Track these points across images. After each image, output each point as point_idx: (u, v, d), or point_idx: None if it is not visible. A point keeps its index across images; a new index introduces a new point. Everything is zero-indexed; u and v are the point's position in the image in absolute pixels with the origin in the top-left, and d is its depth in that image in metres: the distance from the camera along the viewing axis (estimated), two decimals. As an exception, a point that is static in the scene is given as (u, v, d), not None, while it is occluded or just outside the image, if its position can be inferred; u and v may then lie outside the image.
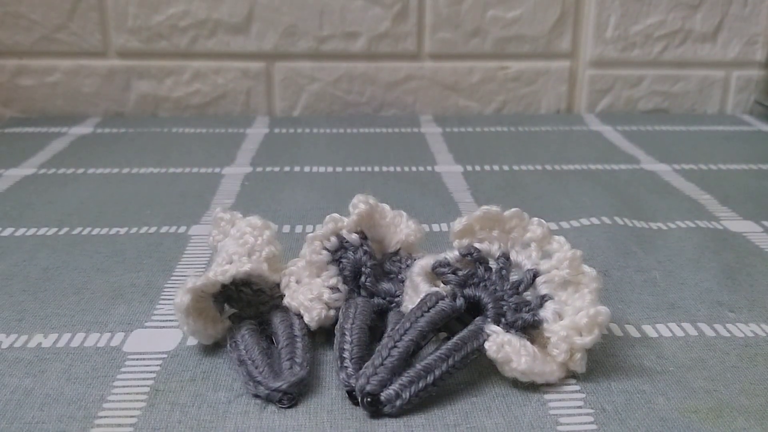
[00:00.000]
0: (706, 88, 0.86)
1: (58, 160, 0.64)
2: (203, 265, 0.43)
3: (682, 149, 0.69)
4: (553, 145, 0.71)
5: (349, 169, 0.62)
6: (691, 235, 0.47)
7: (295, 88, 0.83)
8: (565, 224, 0.49)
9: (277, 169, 0.62)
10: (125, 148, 0.69)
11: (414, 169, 0.62)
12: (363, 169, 0.62)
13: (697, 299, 0.39)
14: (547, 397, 0.30)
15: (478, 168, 0.63)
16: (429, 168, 0.63)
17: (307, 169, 0.62)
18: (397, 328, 0.31)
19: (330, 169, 0.62)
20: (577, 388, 0.31)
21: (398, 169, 0.62)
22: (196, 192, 0.56)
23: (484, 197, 0.55)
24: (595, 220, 0.49)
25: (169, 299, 0.38)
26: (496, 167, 0.63)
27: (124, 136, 0.73)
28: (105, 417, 0.29)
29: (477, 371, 0.31)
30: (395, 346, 0.30)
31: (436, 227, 0.49)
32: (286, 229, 0.48)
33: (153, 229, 0.48)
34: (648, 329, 0.36)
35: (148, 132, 0.75)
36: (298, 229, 0.48)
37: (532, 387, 0.30)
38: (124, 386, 0.31)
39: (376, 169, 0.62)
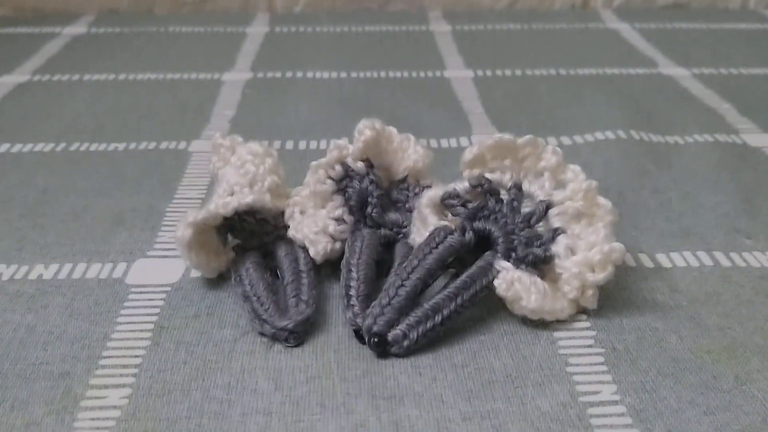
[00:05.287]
0: (730, -19, 0.81)
1: (52, 66, 0.62)
2: (205, 187, 0.42)
3: (702, 51, 0.66)
4: (568, 46, 0.68)
5: (354, 74, 0.60)
6: (708, 151, 0.45)
7: (296, -18, 0.79)
8: (578, 138, 0.47)
9: (279, 74, 0.60)
10: (121, 50, 0.66)
11: (422, 74, 0.60)
12: (369, 74, 0.60)
13: (713, 225, 0.37)
14: (557, 335, 0.29)
15: (489, 73, 0.60)
16: (438, 73, 0.60)
17: (310, 74, 0.60)
18: (404, 265, 0.30)
19: (334, 74, 0.60)
20: (588, 324, 0.30)
21: (405, 74, 0.60)
22: (195, 102, 0.54)
23: (495, 108, 0.53)
24: (609, 134, 0.47)
25: (171, 225, 0.37)
26: (508, 72, 0.60)
27: (119, 36, 0.70)
28: (109, 357, 0.28)
29: (486, 308, 0.31)
30: (402, 285, 0.29)
31: (444, 143, 0.47)
32: (290, 145, 0.47)
33: (152, 145, 0.47)
34: (662, 258, 0.35)
35: (144, 32, 0.72)
36: (302, 145, 0.47)
37: (541, 324, 0.30)
38: (127, 323, 0.30)
39: (383, 74, 0.60)
